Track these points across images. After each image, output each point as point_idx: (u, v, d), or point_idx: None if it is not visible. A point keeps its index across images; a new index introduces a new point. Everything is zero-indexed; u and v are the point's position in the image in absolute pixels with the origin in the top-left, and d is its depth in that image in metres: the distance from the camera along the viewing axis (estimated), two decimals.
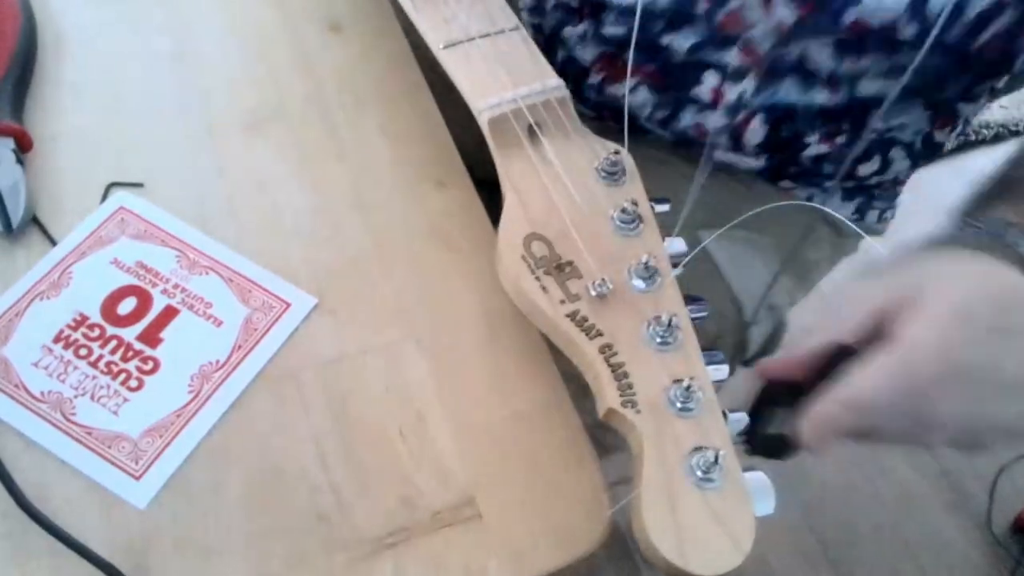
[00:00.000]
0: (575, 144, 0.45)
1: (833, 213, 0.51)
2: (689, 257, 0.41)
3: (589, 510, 0.40)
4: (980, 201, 0.43)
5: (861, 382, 0.33)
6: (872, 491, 1.33)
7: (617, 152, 0.43)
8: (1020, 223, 0.38)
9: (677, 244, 0.42)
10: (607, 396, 0.37)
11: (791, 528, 1.28)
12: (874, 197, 0.69)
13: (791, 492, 1.30)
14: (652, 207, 0.42)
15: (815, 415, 0.34)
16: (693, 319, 0.40)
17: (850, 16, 0.52)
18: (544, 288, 0.41)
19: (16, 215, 0.44)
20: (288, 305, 0.44)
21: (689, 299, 0.41)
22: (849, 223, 0.58)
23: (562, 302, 0.41)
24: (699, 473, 0.35)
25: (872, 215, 0.69)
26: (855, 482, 1.33)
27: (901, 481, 1.35)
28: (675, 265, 0.41)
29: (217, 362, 0.42)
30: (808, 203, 0.62)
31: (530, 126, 0.45)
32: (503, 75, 0.46)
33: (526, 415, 0.42)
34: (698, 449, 0.35)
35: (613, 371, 0.38)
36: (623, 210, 0.41)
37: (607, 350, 0.39)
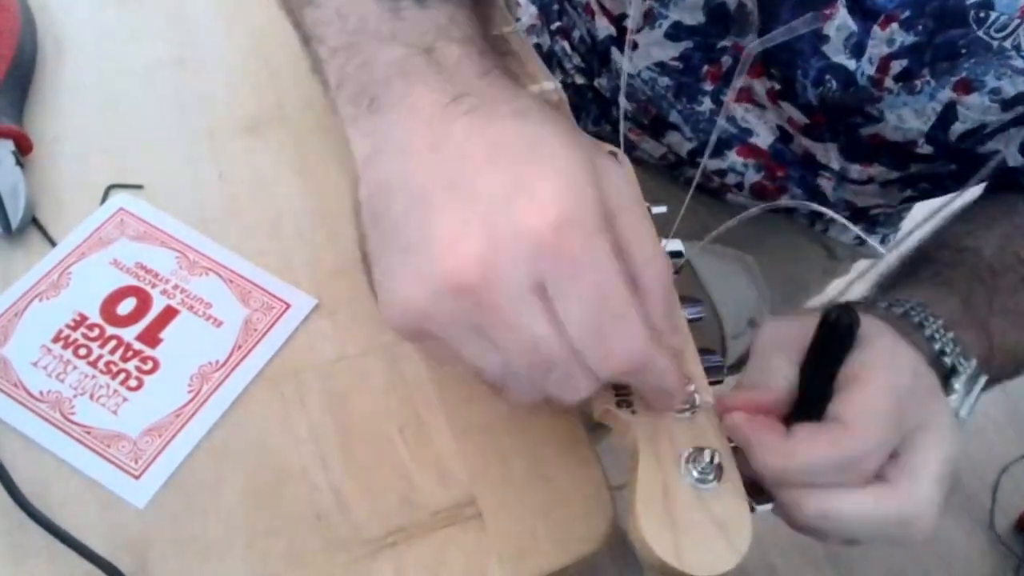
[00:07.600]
0: None
1: (841, 218, 0.52)
2: (679, 268, 0.41)
3: (591, 509, 0.40)
4: (892, 279, 0.47)
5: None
6: None
7: (613, 153, 0.43)
8: (927, 303, 0.41)
9: (674, 244, 0.41)
10: (603, 396, 0.37)
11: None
12: (878, 223, 0.69)
13: None
14: (649, 208, 0.42)
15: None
16: (689, 320, 0.40)
17: (868, 130, 0.52)
18: None
19: (16, 216, 0.44)
20: (288, 306, 0.44)
21: (686, 300, 0.41)
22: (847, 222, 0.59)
23: None
24: (695, 474, 0.34)
25: (874, 238, 0.69)
26: None
27: None
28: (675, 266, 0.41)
29: (217, 362, 0.42)
30: (788, 205, 0.63)
31: None
32: None
33: (526, 414, 0.42)
34: (695, 450, 0.35)
35: None
36: None
37: None
